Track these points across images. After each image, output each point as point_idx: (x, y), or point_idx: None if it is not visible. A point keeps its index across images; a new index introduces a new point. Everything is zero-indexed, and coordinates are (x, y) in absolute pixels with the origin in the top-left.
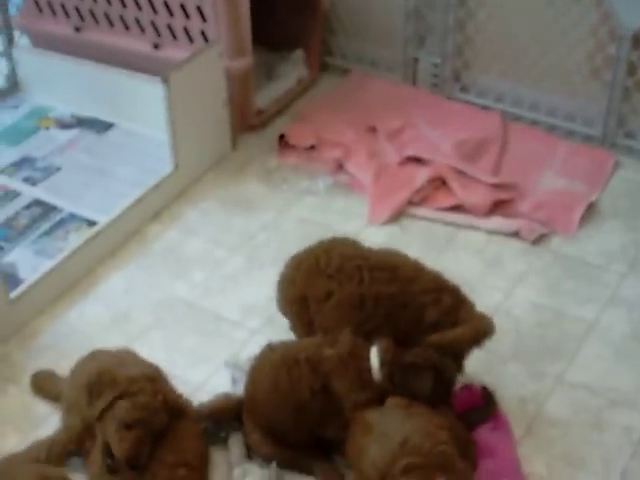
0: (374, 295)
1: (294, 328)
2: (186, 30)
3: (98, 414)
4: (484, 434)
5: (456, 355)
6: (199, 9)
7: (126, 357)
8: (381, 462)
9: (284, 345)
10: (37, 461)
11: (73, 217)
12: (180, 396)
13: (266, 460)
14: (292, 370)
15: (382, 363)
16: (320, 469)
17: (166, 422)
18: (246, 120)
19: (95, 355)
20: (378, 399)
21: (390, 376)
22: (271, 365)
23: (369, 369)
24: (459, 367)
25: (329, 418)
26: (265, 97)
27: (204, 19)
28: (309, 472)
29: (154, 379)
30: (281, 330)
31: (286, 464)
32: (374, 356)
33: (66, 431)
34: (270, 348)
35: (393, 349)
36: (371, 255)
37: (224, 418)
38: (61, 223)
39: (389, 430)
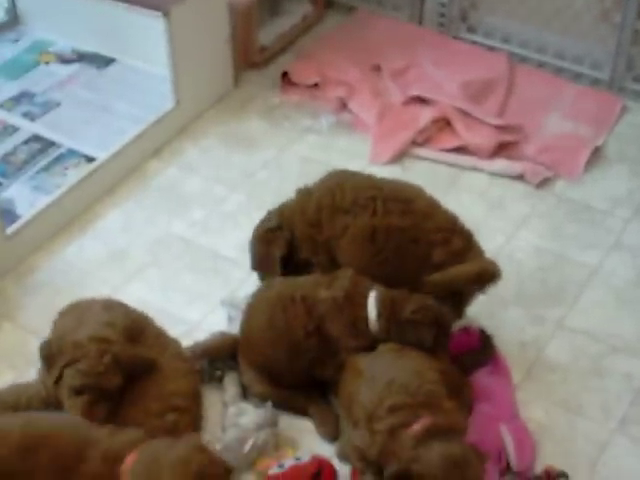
0: (385, 227)
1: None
2: None
3: (52, 384)
4: (482, 378)
5: (458, 301)
6: None
7: (89, 315)
8: (369, 403)
9: (282, 282)
10: (16, 407)
11: (72, 153)
12: (143, 351)
13: (261, 399)
14: (287, 308)
15: (379, 315)
16: (315, 410)
17: (120, 382)
18: (249, 57)
19: (58, 319)
20: (371, 347)
21: (387, 329)
22: (267, 302)
23: (365, 317)
24: (460, 313)
25: (324, 359)
26: (269, 33)
27: None
28: (304, 412)
29: (104, 340)
30: None
31: (280, 404)
32: (371, 305)
33: (45, 389)
34: (267, 285)
35: (391, 299)
36: (385, 186)
37: (219, 357)
38: (60, 159)
39: (378, 373)
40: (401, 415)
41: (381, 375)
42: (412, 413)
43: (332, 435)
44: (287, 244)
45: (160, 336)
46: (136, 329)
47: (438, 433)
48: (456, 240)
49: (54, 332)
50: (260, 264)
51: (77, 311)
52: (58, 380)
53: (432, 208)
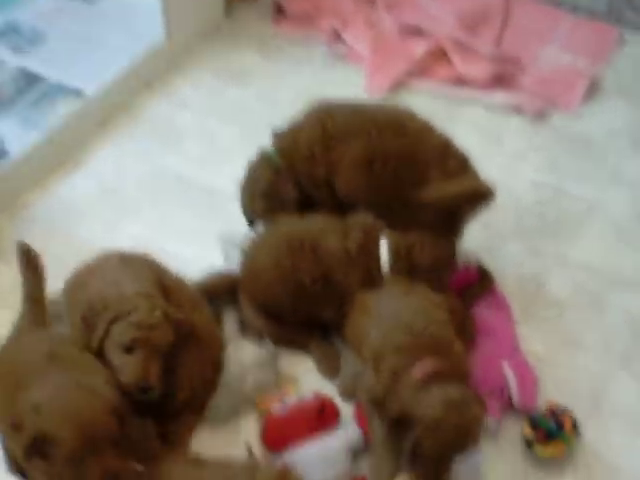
0: (381, 152)
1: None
2: None
3: (96, 347)
4: (483, 313)
5: (453, 222)
6: None
7: (123, 273)
8: (375, 342)
9: (289, 223)
10: None
11: (61, 87)
12: (185, 313)
13: (261, 335)
14: (295, 254)
15: (392, 264)
16: (316, 347)
17: (172, 339)
18: None
19: (86, 276)
20: None
21: (398, 272)
22: (275, 245)
23: (378, 267)
24: (456, 236)
25: (327, 302)
26: None
27: None
28: (305, 348)
29: (150, 295)
30: None
31: (281, 340)
32: (384, 255)
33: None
34: (274, 225)
35: (405, 248)
36: (376, 111)
37: (217, 295)
38: (48, 94)
39: (385, 310)
40: (405, 356)
41: (388, 314)
42: (416, 355)
43: (332, 373)
44: (296, 185)
45: (191, 297)
46: (169, 288)
47: (440, 377)
48: (452, 162)
49: (90, 287)
50: (269, 208)
51: (108, 264)
52: (104, 338)
53: (426, 130)
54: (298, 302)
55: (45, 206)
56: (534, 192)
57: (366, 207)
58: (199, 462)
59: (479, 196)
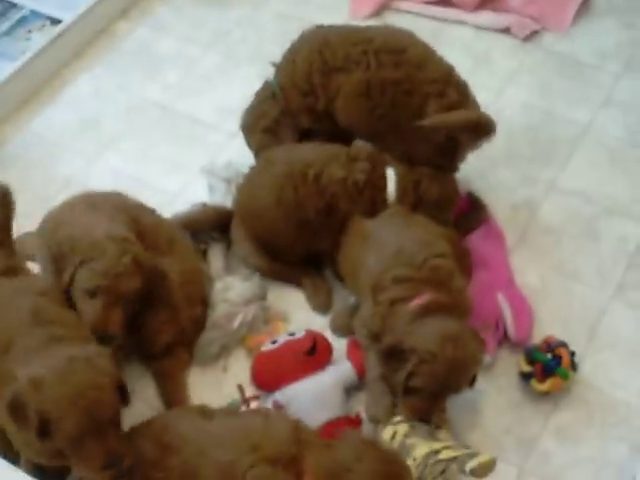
0: (380, 81)
1: None
2: None
3: (65, 288)
4: (476, 244)
5: (452, 151)
6: None
7: (100, 211)
8: (374, 270)
9: (288, 154)
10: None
11: (35, 15)
12: (160, 254)
13: (255, 270)
14: (298, 187)
15: (399, 198)
16: (308, 281)
17: (139, 286)
18: None
19: (58, 217)
20: None
21: (404, 205)
22: (275, 179)
23: (385, 199)
24: (454, 165)
25: (328, 232)
26: None
27: None
28: (298, 283)
29: (122, 239)
30: None
31: (275, 275)
32: (391, 188)
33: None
34: (270, 156)
35: (412, 182)
36: (375, 36)
37: (202, 229)
38: (22, 21)
39: (385, 238)
40: (404, 288)
41: (389, 242)
42: (415, 288)
43: (325, 307)
44: (296, 128)
45: (170, 235)
46: (145, 228)
47: (438, 311)
48: (451, 92)
49: (62, 228)
50: (266, 144)
51: (81, 206)
52: (71, 282)
53: (426, 57)
54: (299, 235)
55: (20, 141)
56: (525, 116)
57: (367, 138)
58: (207, 412)
59: (479, 128)
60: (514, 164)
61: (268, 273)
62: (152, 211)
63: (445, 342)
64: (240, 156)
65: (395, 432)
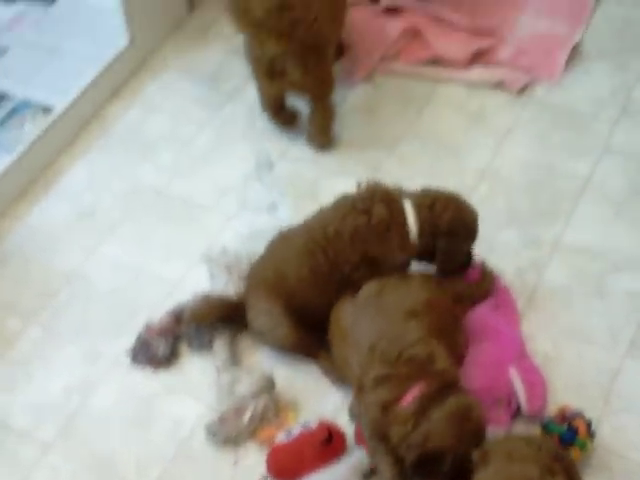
0: None
1: None
2: None
3: None
4: (487, 314)
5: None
6: None
7: None
8: (357, 371)
9: (301, 227)
10: None
11: (26, 104)
12: None
13: (281, 342)
14: (327, 249)
15: (420, 230)
16: (326, 355)
17: None
18: None
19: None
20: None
21: (427, 242)
22: (299, 249)
23: (408, 232)
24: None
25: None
26: None
27: None
28: (315, 356)
29: None
30: (256, 209)
31: (299, 346)
32: (412, 221)
33: None
34: (285, 233)
35: (428, 209)
36: None
37: (207, 321)
38: (15, 111)
39: (359, 335)
40: (387, 389)
41: (363, 338)
42: (398, 386)
43: (341, 381)
44: None
45: None
46: None
47: (431, 398)
48: None
49: None
50: None
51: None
52: None
53: None
54: (339, 293)
55: (17, 235)
56: (523, 173)
57: None
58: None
59: None
60: (516, 224)
61: (293, 344)
62: None
63: (459, 425)
64: (239, 236)
65: None
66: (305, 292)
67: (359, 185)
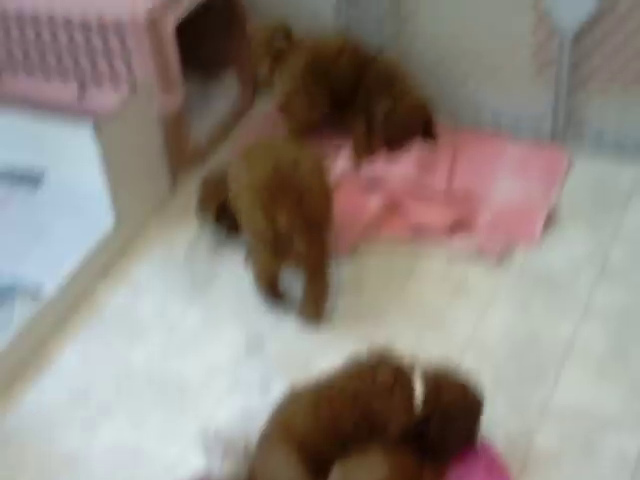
0: None
1: None
2: (111, 75)
3: None
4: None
5: None
6: (122, 54)
7: None
8: None
9: (311, 386)
10: None
11: (12, 289)
12: None
13: None
14: (333, 401)
15: (425, 400)
16: None
17: None
18: (183, 159)
19: None
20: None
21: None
22: (305, 402)
23: (413, 397)
24: None
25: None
26: (201, 129)
27: (129, 65)
28: None
29: None
30: (248, 389)
31: None
32: (419, 390)
33: None
34: (294, 395)
35: (434, 383)
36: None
37: None
38: (2, 296)
39: None
40: None
41: None
42: None
43: None
44: None
45: None
46: None
47: None
48: None
49: None
50: None
51: None
52: None
53: None
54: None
55: (15, 418)
56: (507, 341)
57: None
58: None
59: None
60: (504, 393)
61: None
62: None
63: None
64: (233, 417)
65: None
66: (314, 441)
67: (369, 350)
